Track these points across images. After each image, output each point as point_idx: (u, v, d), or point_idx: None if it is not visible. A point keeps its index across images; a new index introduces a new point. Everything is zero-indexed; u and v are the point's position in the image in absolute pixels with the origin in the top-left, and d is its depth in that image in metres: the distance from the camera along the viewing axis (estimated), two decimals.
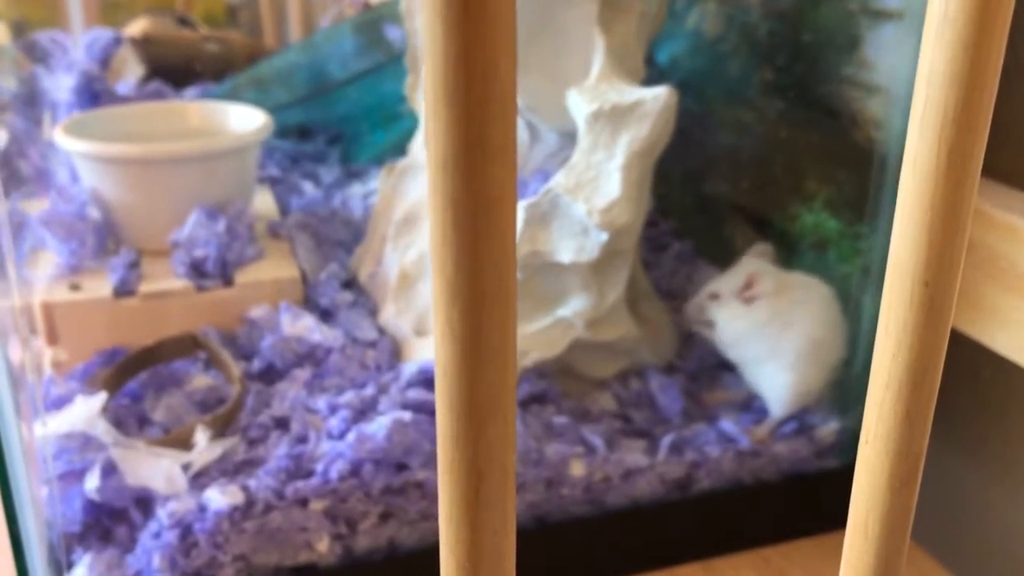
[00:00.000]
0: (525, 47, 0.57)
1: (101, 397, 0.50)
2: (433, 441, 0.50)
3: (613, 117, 0.52)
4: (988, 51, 0.18)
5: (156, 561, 0.46)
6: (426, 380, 0.54)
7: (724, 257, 0.64)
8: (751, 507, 0.57)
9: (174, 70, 0.85)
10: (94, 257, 0.61)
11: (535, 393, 0.55)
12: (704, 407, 0.59)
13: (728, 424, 0.56)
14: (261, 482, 0.48)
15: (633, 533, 0.54)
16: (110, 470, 0.48)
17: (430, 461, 0.50)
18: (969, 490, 0.60)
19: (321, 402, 0.53)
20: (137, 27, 0.88)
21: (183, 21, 0.92)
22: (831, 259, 0.60)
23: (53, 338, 0.57)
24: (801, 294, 0.56)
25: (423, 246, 0.59)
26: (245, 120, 0.68)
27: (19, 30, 0.82)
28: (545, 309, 0.56)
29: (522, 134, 0.62)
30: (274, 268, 0.62)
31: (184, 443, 0.50)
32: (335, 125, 0.85)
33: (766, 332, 0.56)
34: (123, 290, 0.59)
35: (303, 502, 0.48)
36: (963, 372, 0.59)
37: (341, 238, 0.69)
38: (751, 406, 0.58)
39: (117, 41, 0.85)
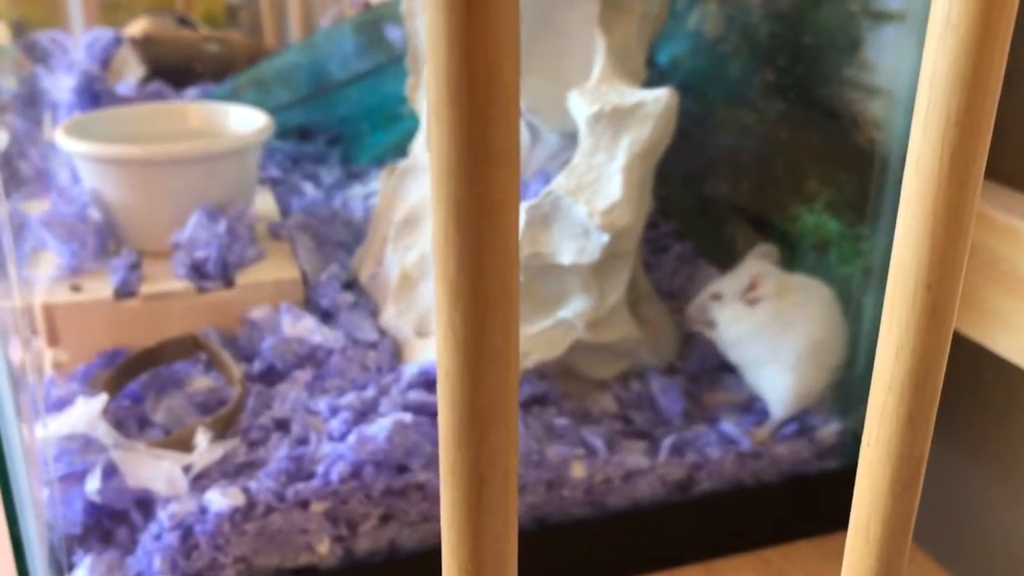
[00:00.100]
0: (526, 48, 0.57)
1: (102, 398, 0.50)
2: (434, 443, 0.50)
3: (614, 119, 0.52)
4: (991, 55, 0.18)
5: (157, 563, 0.46)
6: (427, 382, 0.54)
7: (725, 258, 0.64)
8: (752, 508, 0.57)
9: (174, 70, 0.85)
10: (95, 258, 0.61)
11: (536, 394, 0.55)
12: (705, 408, 0.59)
13: (729, 425, 0.56)
14: (262, 484, 0.48)
15: (634, 534, 0.54)
16: (111, 472, 0.48)
17: (431, 463, 0.50)
18: (970, 492, 0.60)
19: (322, 404, 0.53)
20: (137, 27, 0.88)
21: (183, 21, 0.92)
22: (832, 260, 0.60)
23: (54, 339, 0.57)
24: (803, 296, 0.56)
25: (424, 247, 0.59)
26: (246, 121, 0.68)
27: (19, 30, 0.82)
28: (546, 310, 0.56)
29: (523, 135, 0.62)
30: (275, 269, 0.62)
31: (185, 445, 0.50)
32: (336, 126, 0.85)
33: (767, 333, 0.56)
34: (124, 291, 0.59)
35: (304, 504, 0.48)
36: (964, 374, 0.59)
37: (342, 239, 0.69)
38: (752, 408, 0.58)
39: (117, 41, 0.85)
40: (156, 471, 0.48)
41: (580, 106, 0.53)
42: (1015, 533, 0.57)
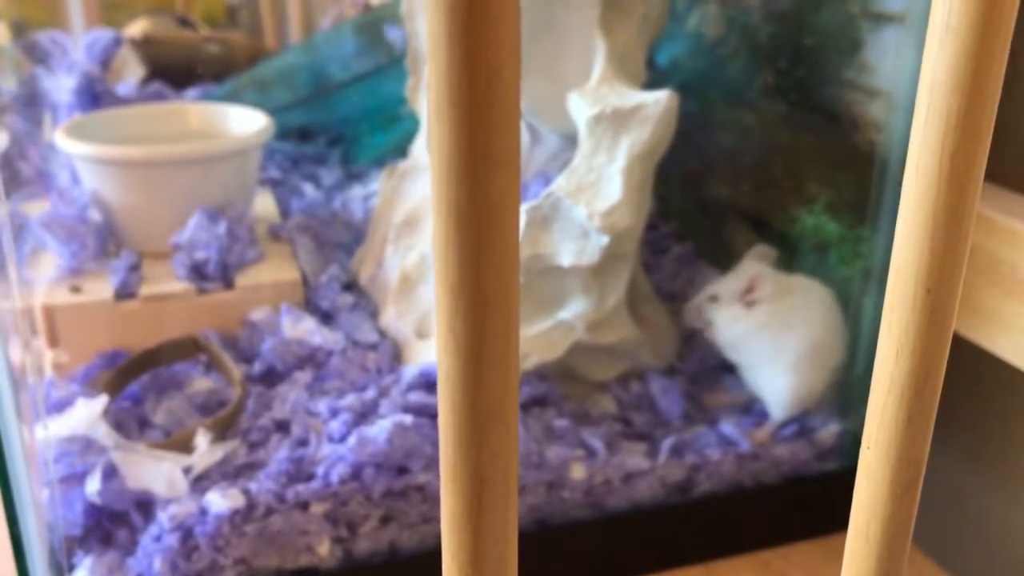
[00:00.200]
0: (526, 49, 0.57)
1: (102, 400, 0.50)
2: (434, 444, 0.50)
3: (614, 120, 0.52)
4: (990, 59, 0.18)
5: (157, 564, 0.46)
6: (427, 383, 0.54)
7: (725, 259, 0.64)
8: (751, 510, 0.57)
9: (175, 71, 0.85)
10: (95, 259, 0.61)
11: (536, 396, 0.55)
12: (705, 410, 0.59)
13: (728, 427, 0.56)
14: (262, 485, 0.48)
15: (633, 536, 0.54)
16: (111, 473, 0.48)
17: (431, 464, 0.50)
18: (970, 493, 0.60)
19: (322, 405, 0.53)
20: (137, 28, 0.88)
21: (183, 22, 0.92)
22: (832, 262, 0.60)
23: (54, 340, 0.57)
24: (802, 297, 0.56)
25: (424, 248, 0.59)
26: (246, 122, 0.68)
27: (19, 30, 0.82)
28: (546, 312, 0.56)
29: (523, 136, 0.62)
30: (275, 270, 0.62)
31: (185, 446, 0.50)
32: (336, 127, 0.85)
33: (766, 335, 0.56)
34: (124, 292, 0.59)
35: (304, 505, 0.48)
36: (964, 376, 0.59)
37: (342, 240, 0.69)
38: (752, 409, 0.58)
39: (117, 42, 0.85)
40: (156, 472, 0.48)
41: (580, 108, 0.53)
42: (1014, 534, 0.58)
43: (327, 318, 0.61)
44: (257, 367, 0.57)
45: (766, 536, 0.57)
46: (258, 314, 0.60)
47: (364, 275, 0.64)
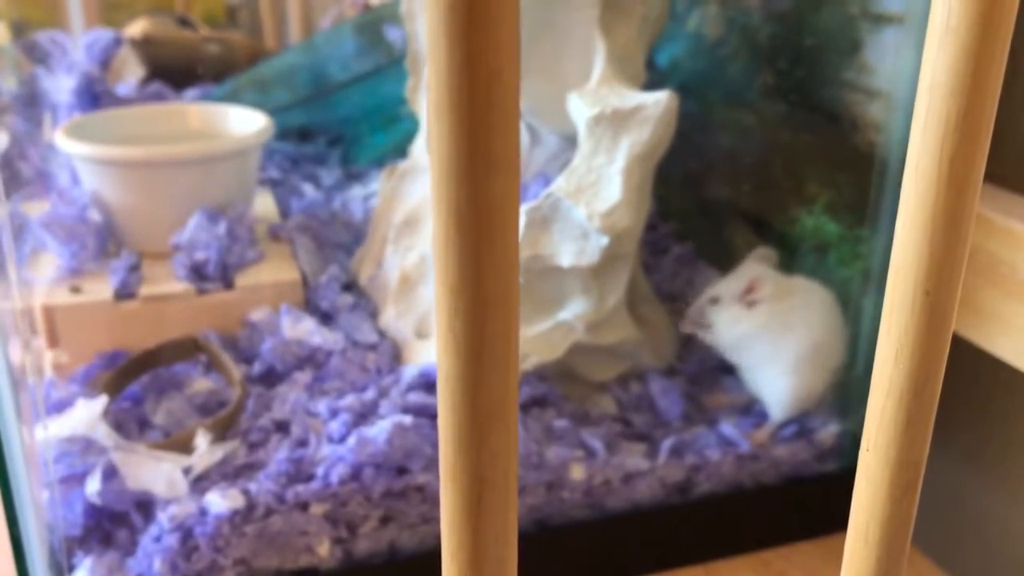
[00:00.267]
0: (526, 49, 0.57)
1: (102, 400, 0.50)
2: (434, 445, 0.50)
3: (614, 121, 0.52)
4: (990, 61, 0.18)
5: (157, 565, 0.46)
6: (427, 383, 0.54)
7: (725, 260, 0.64)
8: (751, 510, 0.57)
9: (174, 71, 0.85)
10: (95, 260, 0.61)
11: (535, 396, 0.55)
12: (704, 410, 0.59)
13: (728, 427, 0.56)
14: (262, 486, 0.48)
15: (633, 536, 0.54)
16: (111, 474, 0.48)
17: (431, 465, 0.50)
18: (969, 494, 0.60)
19: (322, 405, 0.53)
20: (137, 28, 0.88)
21: (183, 22, 0.92)
22: (831, 263, 0.60)
23: (54, 341, 0.57)
24: (801, 298, 0.56)
25: (424, 248, 0.59)
26: (246, 122, 0.68)
27: (19, 30, 0.82)
28: (545, 312, 0.56)
29: (523, 137, 0.62)
30: (274, 271, 0.62)
31: (185, 447, 0.50)
32: (336, 127, 0.85)
33: (766, 336, 0.56)
34: (124, 293, 0.59)
35: (304, 506, 0.48)
36: (963, 377, 0.59)
37: (341, 240, 0.69)
38: (751, 409, 0.58)
39: (117, 42, 0.85)
40: (156, 473, 0.48)
41: (580, 108, 0.53)
42: (1014, 535, 0.58)
43: (327, 318, 0.61)
44: (257, 367, 0.57)
45: (766, 536, 0.57)
46: (258, 314, 0.60)
47: (364, 275, 0.64)
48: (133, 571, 0.46)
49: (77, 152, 0.61)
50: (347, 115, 0.83)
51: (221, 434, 0.51)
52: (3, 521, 0.41)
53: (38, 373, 0.54)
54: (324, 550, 0.49)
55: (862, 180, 0.56)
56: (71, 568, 0.46)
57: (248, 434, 0.52)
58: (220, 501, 0.47)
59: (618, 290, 0.56)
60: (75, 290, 0.58)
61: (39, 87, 0.76)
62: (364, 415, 0.52)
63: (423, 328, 0.59)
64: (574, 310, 0.55)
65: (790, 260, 0.61)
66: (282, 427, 0.53)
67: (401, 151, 0.71)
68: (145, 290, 0.59)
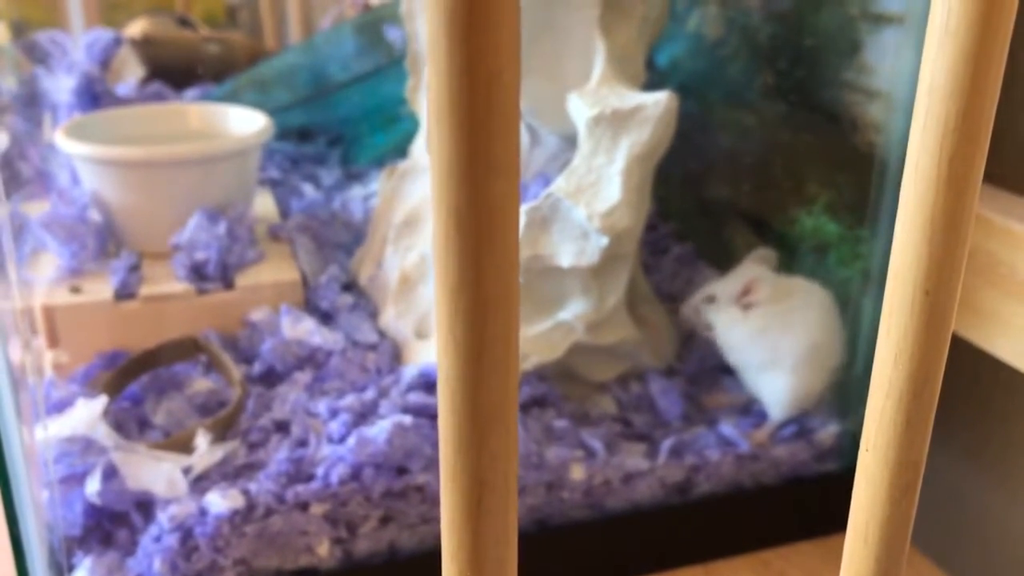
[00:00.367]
0: (526, 50, 0.57)
1: (102, 400, 0.50)
2: (434, 445, 0.50)
3: (614, 121, 0.52)
4: (989, 62, 0.18)
5: (157, 565, 0.46)
6: (427, 383, 0.54)
7: (724, 260, 0.64)
8: (751, 510, 0.57)
9: (174, 71, 0.85)
10: (95, 260, 0.61)
11: (535, 396, 0.55)
12: (704, 410, 0.59)
13: (728, 428, 0.56)
14: (262, 486, 0.48)
15: (633, 536, 0.54)
16: (111, 473, 0.48)
17: (430, 465, 0.50)
18: (968, 494, 0.61)
19: (322, 405, 0.53)
20: (137, 28, 0.88)
21: (183, 22, 0.92)
22: (831, 263, 0.60)
23: (54, 341, 0.57)
24: (800, 299, 0.56)
25: (424, 249, 0.59)
26: (246, 122, 0.68)
27: (19, 30, 0.82)
28: (545, 312, 0.56)
29: (522, 137, 0.62)
30: (274, 271, 0.62)
31: (185, 447, 0.50)
32: (335, 127, 0.85)
33: (765, 337, 0.56)
34: (124, 293, 0.59)
35: (303, 506, 0.48)
36: (963, 377, 0.59)
37: (341, 240, 0.69)
38: (751, 410, 0.58)
39: (117, 42, 0.85)
40: (156, 473, 0.48)
41: (580, 108, 0.53)
42: (1014, 534, 0.58)
43: (327, 318, 0.61)
44: (257, 367, 0.57)
45: (765, 536, 0.57)
46: (258, 314, 0.60)
47: (364, 275, 0.64)
48: (133, 571, 0.46)
49: (77, 152, 0.61)
50: (347, 115, 0.83)
51: (221, 434, 0.51)
52: (3, 521, 0.41)
53: (38, 373, 0.54)
54: (324, 550, 0.49)
55: (862, 180, 0.56)
56: (71, 568, 0.46)
57: (248, 434, 0.52)
58: (220, 501, 0.47)
59: (618, 290, 0.56)
60: (75, 290, 0.58)
61: (39, 87, 0.77)
62: (364, 415, 0.52)
63: (423, 328, 0.59)
64: (574, 310, 0.55)
65: (790, 260, 0.61)
66: (282, 427, 0.53)
67: (401, 151, 0.71)
68: (145, 290, 0.59)
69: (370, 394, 0.54)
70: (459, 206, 0.17)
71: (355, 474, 0.49)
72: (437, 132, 0.17)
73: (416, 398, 0.53)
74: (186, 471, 0.49)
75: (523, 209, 0.52)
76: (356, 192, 0.76)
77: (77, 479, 0.48)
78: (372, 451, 0.49)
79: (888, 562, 0.22)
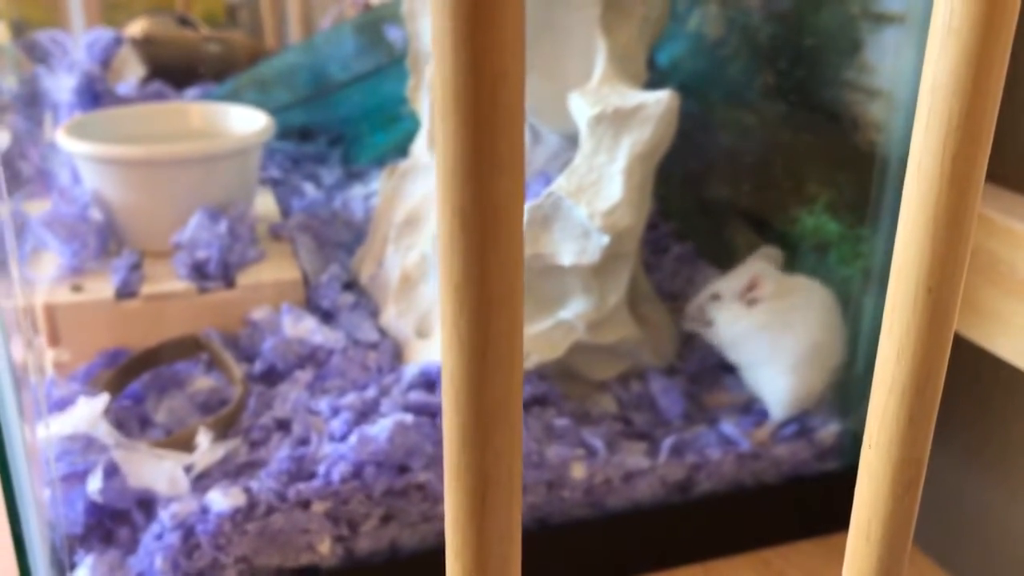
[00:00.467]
0: (527, 49, 0.57)
1: (103, 398, 0.50)
2: (435, 443, 0.50)
3: (615, 120, 0.52)
4: (992, 61, 0.18)
5: (158, 563, 0.46)
6: (428, 382, 0.54)
7: (725, 259, 0.64)
8: (751, 509, 0.57)
9: (175, 71, 0.85)
10: (96, 258, 0.61)
11: (536, 395, 0.55)
12: (705, 409, 0.59)
13: (729, 426, 0.57)
14: (263, 484, 0.48)
15: (633, 535, 0.54)
16: (112, 472, 0.48)
17: (432, 463, 0.50)
18: (969, 493, 0.61)
19: (323, 404, 0.53)
20: (138, 27, 0.88)
21: (183, 21, 0.92)
22: (832, 262, 0.60)
23: (55, 339, 0.57)
24: (802, 297, 0.56)
25: (425, 248, 0.59)
26: (247, 121, 0.68)
27: (19, 30, 0.82)
28: (546, 311, 0.56)
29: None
30: (275, 270, 0.62)
31: (186, 445, 0.50)
32: (336, 126, 0.85)
33: (766, 335, 0.56)
34: (125, 291, 0.59)
35: (305, 504, 0.48)
36: (964, 376, 0.59)
37: (342, 240, 0.69)
38: (752, 408, 0.59)
39: (118, 41, 0.85)
40: (157, 471, 0.48)
41: (581, 108, 0.53)
42: (1014, 533, 0.58)
43: (328, 317, 0.61)
44: (258, 366, 0.57)
45: (766, 535, 0.57)
46: (259, 313, 0.60)
47: (365, 274, 0.64)
48: (134, 569, 0.46)
49: (78, 151, 0.61)
50: (348, 114, 0.83)
51: (222, 432, 0.51)
52: (5, 519, 0.41)
53: (40, 371, 0.54)
54: (325, 548, 0.49)
55: (863, 179, 0.56)
56: (72, 566, 0.47)
57: (249, 432, 0.52)
58: (221, 499, 0.47)
59: (619, 289, 0.56)
60: (76, 289, 0.58)
61: (40, 86, 0.77)
62: (365, 413, 0.52)
63: (424, 327, 0.59)
64: (575, 309, 0.55)
65: (791, 259, 0.61)
66: (283, 425, 0.53)
67: (402, 150, 0.71)
68: (146, 289, 0.59)
69: (371, 393, 0.54)
70: (464, 204, 0.17)
71: (356, 472, 0.49)
72: (442, 130, 0.17)
73: (417, 397, 0.53)
74: (187, 469, 0.49)
75: (524, 208, 0.52)
76: (357, 191, 0.76)
77: (79, 477, 0.48)
78: (373, 449, 0.49)
79: (890, 560, 0.22)
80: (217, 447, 0.50)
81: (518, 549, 0.20)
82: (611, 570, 0.54)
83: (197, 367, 0.58)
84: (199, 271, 0.61)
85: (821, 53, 0.61)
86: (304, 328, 0.58)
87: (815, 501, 0.58)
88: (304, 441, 0.51)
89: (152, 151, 0.62)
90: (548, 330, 0.56)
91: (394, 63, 0.77)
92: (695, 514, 0.55)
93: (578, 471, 0.53)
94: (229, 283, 0.61)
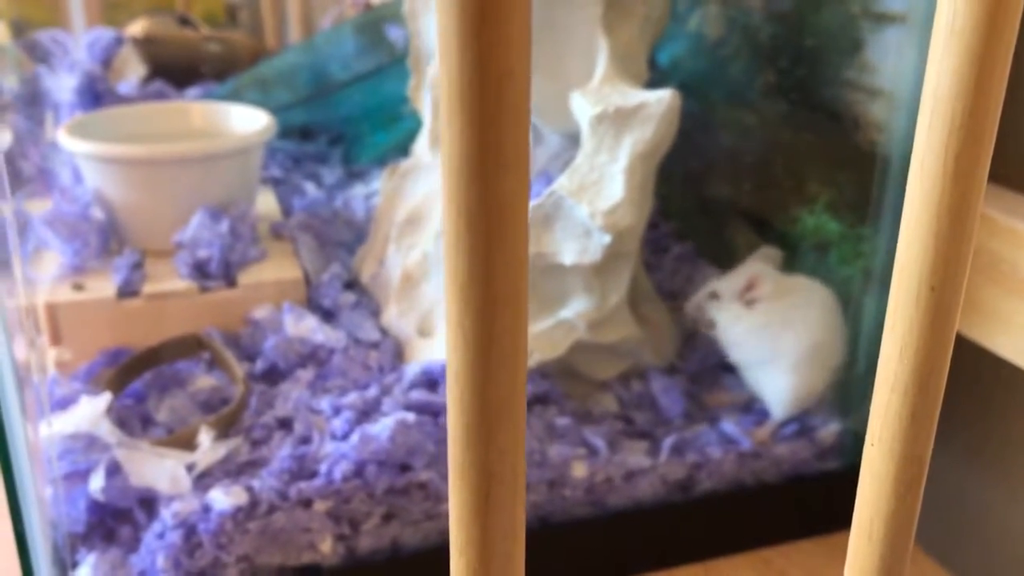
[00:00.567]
0: None
1: (105, 397, 0.51)
2: (436, 442, 0.50)
3: (617, 120, 0.52)
4: (995, 62, 0.18)
5: (160, 561, 0.46)
6: (429, 381, 0.54)
7: (725, 259, 0.64)
8: (752, 508, 0.57)
9: (176, 70, 0.85)
10: (98, 257, 0.61)
11: (538, 394, 0.55)
12: (705, 408, 0.59)
13: (729, 426, 0.57)
14: (265, 483, 0.48)
15: (634, 534, 0.54)
16: (114, 470, 0.48)
17: (433, 462, 0.50)
18: (970, 492, 0.61)
19: (324, 403, 0.53)
20: (138, 27, 0.88)
21: (184, 21, 0.92)
22: (832, 261, 0.60)
23: (57, 338, 0.57)
24: (802, 297, 0.57)
25: (426, 247, 0.59)
26: (248, 121, 0.68)
27: (20, 30, 0.82)
28: (548, 310, 0.56)
29: None
30: (277, 269, 0.62)
31: (188, 444, 0.50)
32: (337, 126, 0.85)
33: (767, 334, 0.56)
34: (127, 290, 0.59)
35: (306, 503, 0.48)
36: (964, 375, 0.59)
37: (343, 239, 0.69)
38: (752, 408, 0.59)
39: (119, 41, 0.85)
40: (159, 470, 0.48)
41: (583, 107, 0.53)
42: (1015, 532, 0.58)
43: (329, 316, 0.62)
44: (259, 365, 0.57)
45: (767, 535, 0.57)
46: (260, 312, 0.60)
47: (366, 273, 0.64)
48: (136, 568, 0.46)
49: (80, 150, 0.61)
50: (349, 114, 0.83)
51: (224, 431, 0.51)
52: (8, 517, 0.41)
53: (42, 370, 0.54)
54: (327, 547, 0.49)
55: (863, 179, 0.56)
56: (74, 564, 0.47)
57: (251, 431, 0.52)
58: (223, 498, 0.47)
59: (620, 288, 0.56)
60: (78, 288, 0.58)
61: (41, 86, 0.77)
62: (367, 412, 0.53)
63: (425, 326, 0.59)
64: (576, 308, 0.55)
65: (791, 259, 0.61)
66: (285, 424, 0.53)
67: (403, 150, 0.71)
68: (148, 288, 0.59)
69: (373, 392, 0.54)
70: (469, 202, 0.17)
71: (358, 471, 0.49)
72: (448, 129, 0.17)
73: (418, 395, 0.53)
74: (189, 468, 0.49)
75: None
76: (358, 190, 0.77)
77: (81, 476, 0.48)
78: (375, 448, 0.49)
79: (892, 558, 0.22)
80: (219, 446, 0.50)
81: (522, 546, 0.20)
82: (612, 569, 0.54)
83: (199, 366, 0.58)
84: (200, 270, 0.61)
85: (822, 53, 0.61)
86: (305, 327, 0.58)
87: (816, 500, 0.58)
88: (306, 440, 0.51)
89: (153, 150, 0.62)
90: (549, 329, 0.56)
91: (395, 63, 0.77)
92: (696, 513, 0.55)
93: (579, 470, 0.53)
94: (230, 282, 0.61)
